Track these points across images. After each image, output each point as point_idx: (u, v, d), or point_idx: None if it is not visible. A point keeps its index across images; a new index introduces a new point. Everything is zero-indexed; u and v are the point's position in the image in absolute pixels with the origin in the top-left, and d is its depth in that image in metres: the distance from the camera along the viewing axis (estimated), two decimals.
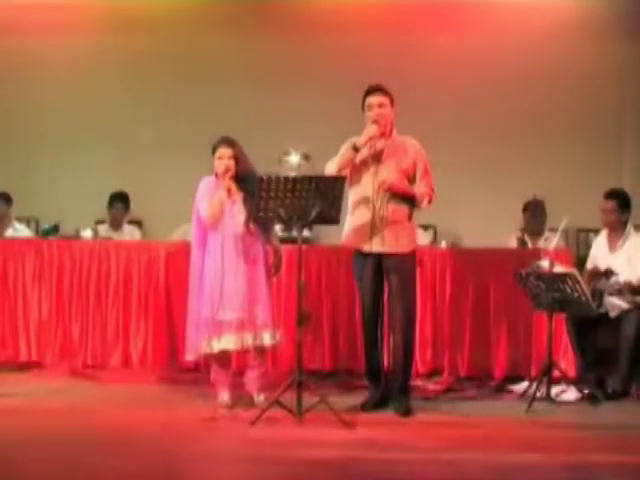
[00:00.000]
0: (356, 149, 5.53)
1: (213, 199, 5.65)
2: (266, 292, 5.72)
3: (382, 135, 5.62)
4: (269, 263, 5.82)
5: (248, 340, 5.63)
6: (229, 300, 5.62)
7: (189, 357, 5.83)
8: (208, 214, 5.66)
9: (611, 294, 6.35)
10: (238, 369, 5.91)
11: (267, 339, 5.67)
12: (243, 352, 5.78)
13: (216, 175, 5.74)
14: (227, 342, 5.61)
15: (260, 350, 5.73)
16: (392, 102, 5.66)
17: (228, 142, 5.72)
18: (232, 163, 5.69)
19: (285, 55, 8.32)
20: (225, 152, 5.69)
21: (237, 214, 5.69)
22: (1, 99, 8.48)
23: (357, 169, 5.64)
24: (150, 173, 8.27)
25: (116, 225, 7.92)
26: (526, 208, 7.58)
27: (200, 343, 5.67)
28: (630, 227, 6.53)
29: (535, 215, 7.51)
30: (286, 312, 6.34)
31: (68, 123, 8.45)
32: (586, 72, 8.24)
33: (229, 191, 5.67)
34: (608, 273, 6.37)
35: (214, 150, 5.72)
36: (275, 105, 8.15)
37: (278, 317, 6.10)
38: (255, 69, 8.32)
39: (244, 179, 5.70)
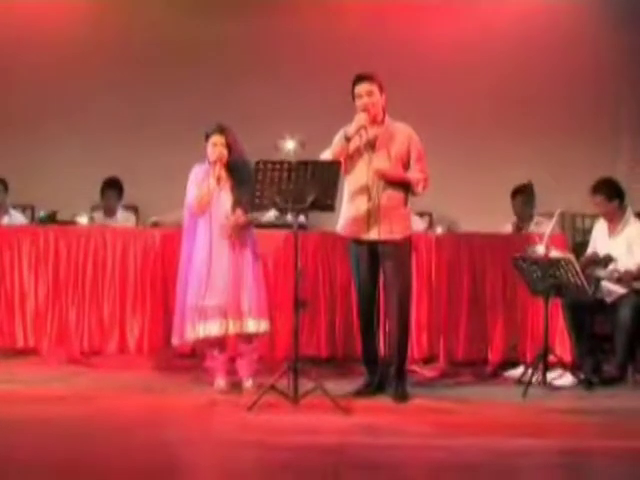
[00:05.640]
0: (348, 139, 5.53)
1: (202, 187, 5.66)
2: (252, 279, 5.73)
3: (374, 122, 5.61)
4: (257, 250, 5.82)
5: (230, 327, 5.67)
6: (215, 286, 5.65)
7: (174, 342, 5.89)
8: (195, 202, 5.70)
9: (610, 281, 6.35)
10: (232, 355, 5.93)
11: (251, 326, 5.69)
12: (235, 338, 5.80)
13: (209, 162, 5.75)
14: (210, 328, 5.65)
15: (247, 337, 5.75)
16: (382, 89, 5.65)
17: (221, 129, 5.73)
18: (225, 151, 5.70)
19: (281, 41, 8.29)
20: (218, 139, 5.70)
21: (224, 201, 5.70)
22: None
23: (351, 158, 5.63)
24: (145, 159, 8.24)
25: (110, 212, 7.89)
26: (515, 193, 7.53)
27: (185, 329, 5.71)
28: (630, 213, 6.52)
29: (526, 199, 7.47)
30: (282, 298, 6.34)
31: (64, 110, 8.41)
32: (584, 60, 8.23)
33: (218, 179, 5.69)
34: (607, 260, 6.37)
35: (207, 137, 5.73)
36: (271, 91, 8.12)
37: (274, 303, 6.13)
38: (251, 55, 8.29)
39: (235, 167, 5.73)
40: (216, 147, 5.70)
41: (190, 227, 5.81)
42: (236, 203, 5.67)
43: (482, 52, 8.21)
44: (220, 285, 5.65)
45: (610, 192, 6.46)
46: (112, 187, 7.88)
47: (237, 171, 5.70)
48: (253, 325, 5.70)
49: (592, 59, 8.25)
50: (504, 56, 8.21)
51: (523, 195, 7.47)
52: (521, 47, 8.20)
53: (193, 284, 5.71)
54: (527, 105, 8.25)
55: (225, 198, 5.71)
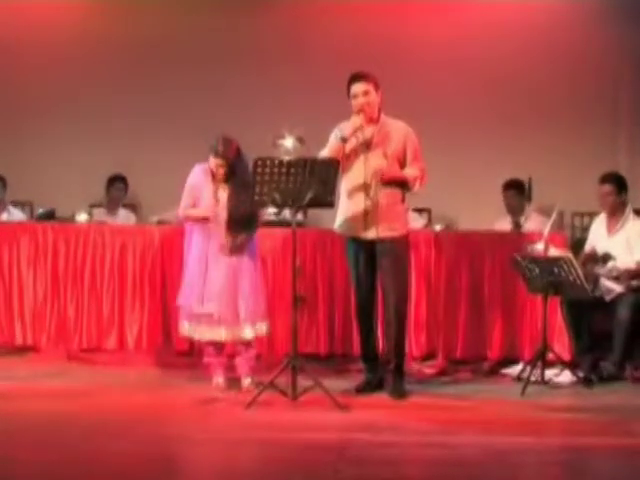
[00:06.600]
0: (344, 140, 5.52)
1: (196, 210, 5.72)
2: (250, 285, 5.72)
3: (370, 122, 5.60)
4: (256, 253, 5.82)
5: (224, 334, 5.68)
6: (210, 293, 5.67)
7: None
8: (182, 216, 5.78)
9: (608, 279, 6.35)
10: (231, 353, 5.93)
11: (247, 334, 5.71)
12: (231, 341, 5.81)
13: (210, 169, 5.75)
14: (203, 333, 5.70)
15: (243, 342, 5.76)
16: (377, 87, 5.63)
17: (224, 153, 5.64)
18: (226, 171, 5.67)
19: (280, 38, 8.27)
20: (219, 162, 5.67)
21: (221, 211, 5.68)
22: None
23: (348, 157, 5.62)
24: (146, 157, 8.22)
25: (113, 207, 7.90)
26: (506, 187, 7.51)
27: (183, 325, 5.79)
28: (629, 210, 6.51)
29: (517, 194, 7.44)
30: (281, 296, 6.34)
31: (63, 107, 8.40)
32: (584, 54, 8.21)
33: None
34: (605, 258, 6.37)
35: (211, 152, 5.68)
36: (269, 88, 8.12)
37: (272, 302, 6.12)
38: (250, 52, 8.27)
39: (234, 175, 5.68)
40: (218, 169, 5.68)
41: (190, 230, 5.84)
42: (232, 213, 5.66)
43: (482, 49, 8.19)
44: (216, 293, 5.66)
45: (620, 184, 6.48)
46: (119, 181, 7.94)
47: (237, 181, 5.67)
48: (249, 332, 5.72)
49: (592, 56, 8.23)
50: (504, 53, 8.19)
51: (514, 189, 7.45)
52: (521, 44, 8.17)
53: (190, 286, 5.73)
54: (526, 101, 8.23)
55: (221, 208, 5.69)
